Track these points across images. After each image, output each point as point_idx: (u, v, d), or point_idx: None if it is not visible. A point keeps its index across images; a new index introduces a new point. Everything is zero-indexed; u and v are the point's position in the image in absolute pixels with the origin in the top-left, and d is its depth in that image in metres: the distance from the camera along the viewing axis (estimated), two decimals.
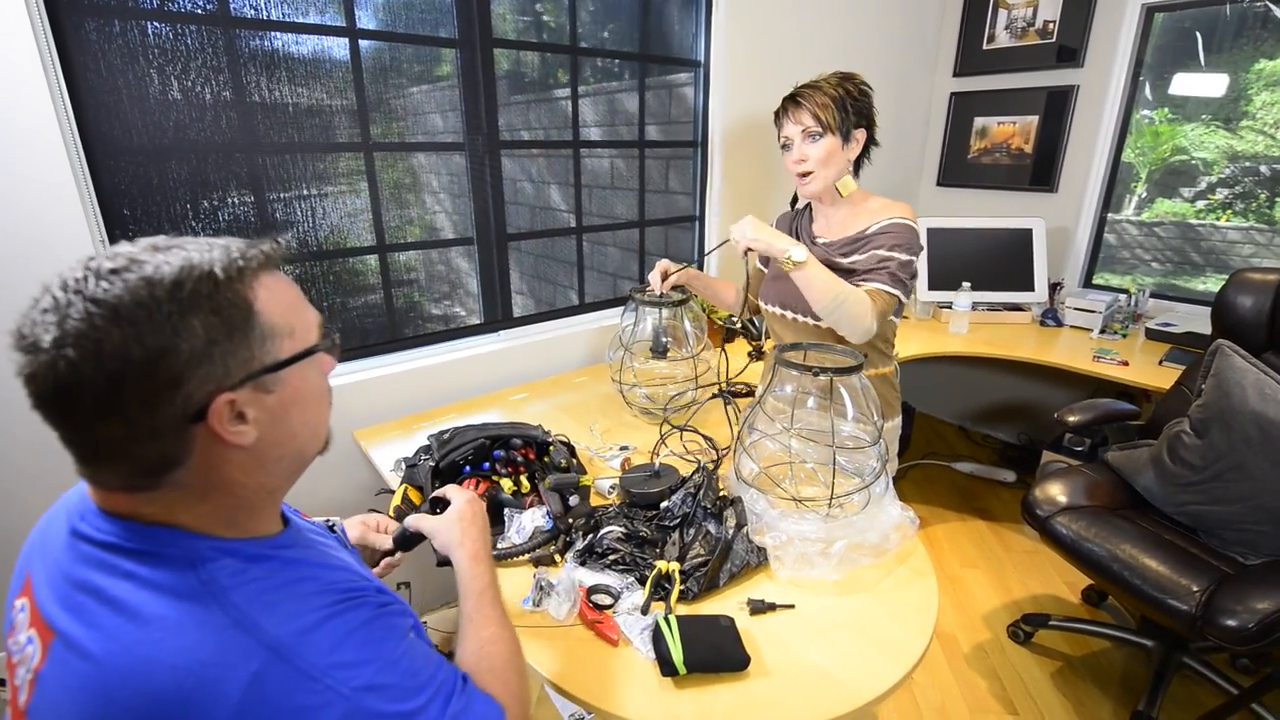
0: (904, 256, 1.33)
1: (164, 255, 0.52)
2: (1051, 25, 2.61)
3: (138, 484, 0.53)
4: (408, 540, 0.92)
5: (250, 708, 0.48)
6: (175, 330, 0.49)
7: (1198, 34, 2.38)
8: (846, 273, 1.36)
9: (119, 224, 1.38)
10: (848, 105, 1.33)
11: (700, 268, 2.44)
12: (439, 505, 0.93)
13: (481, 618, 0.76)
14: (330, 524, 0.92)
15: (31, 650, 0.55)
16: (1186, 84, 2.45)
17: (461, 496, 0.90)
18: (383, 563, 0.97)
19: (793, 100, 1.36)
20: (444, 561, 1.07)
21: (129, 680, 0.49)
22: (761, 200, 2.48)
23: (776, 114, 1.40)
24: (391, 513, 1.16)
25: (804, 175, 1.38)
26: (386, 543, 0.96)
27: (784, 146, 1.40)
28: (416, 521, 0.90)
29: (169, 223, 1.44)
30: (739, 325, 2.29)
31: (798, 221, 1.53)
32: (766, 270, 1.60)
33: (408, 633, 0.60)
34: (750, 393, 1.80)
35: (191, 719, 0.48)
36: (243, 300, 0.53)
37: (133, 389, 0.48)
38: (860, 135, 1.37)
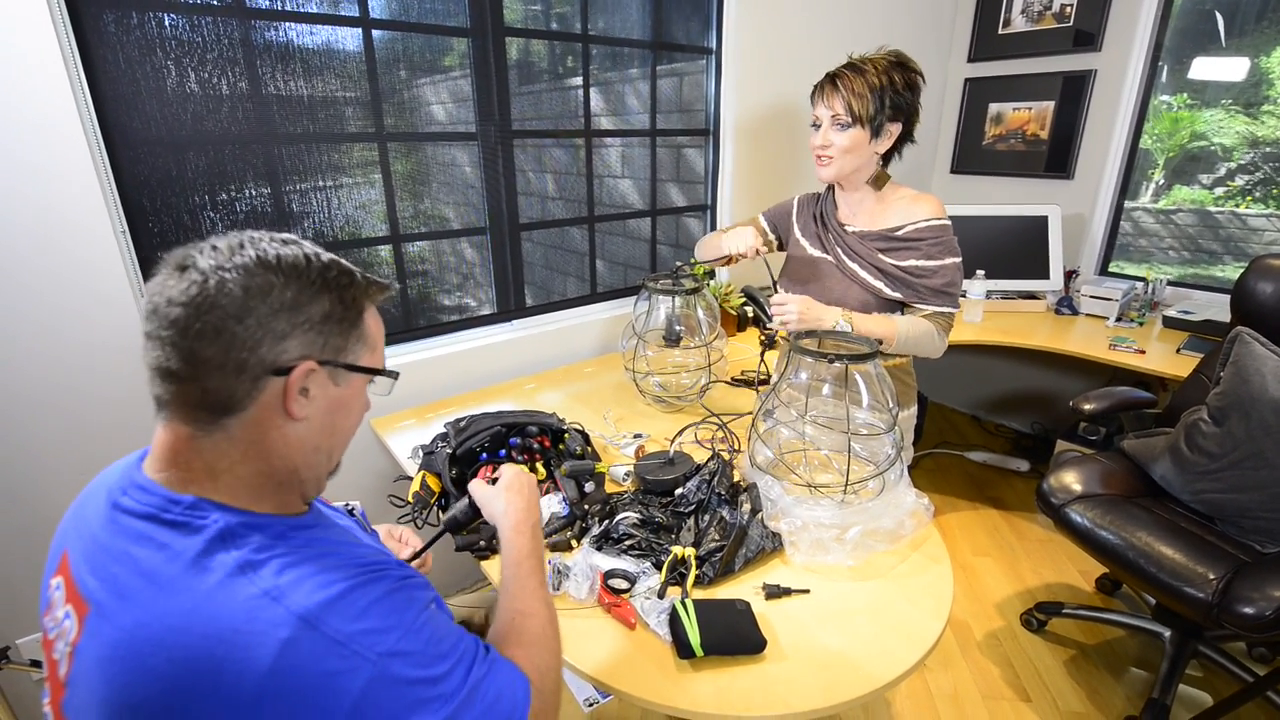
0: (945, 263, 1.33)
1: (322, 249, 0.63)
2: (1069, 9, 2.58)
3: (201, 417, 0.57)
4: (458, 523, 0.93)
5: (281, 673, 0.50)
6: (312, 297, 0.59)
7: (1218, 16, 2.34)
8: (896, 279, 1.35)
9: (139, 214, 1.40)
10: (886, 98, 1.27)
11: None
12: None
13: (517, 588, 0.77)
14: (350, 508, 0.93)
15: (69, 625, 0.57)
16: (1206, 68, 2.41)
17: (511, 469, 0.91)
18: (416, 561, 0.97)
19: (830, 82, 1.30)
20: (462, 547, 1.09)
21: (161, 648, 0.50)
22: (774, 189, 2.46)
23: (816, 87, 1.34)
24: (410, 498, 1.18)
25: (824, 158, 1.35)
26: (406, 553, 0.96)
27: (813, 125, 1.36)
28: (473, 488, 0.90)
29: (188, 214, 1.45)
30: (751, 314, 2.29)
31: (822, 205, 1.49)
32: (786, 250, 1.58)
33: (428, 604, 0.61)
34: (764, 381, 1.80)
35: (224, 684, 0.49)
36: (360, 305, 0.64)
37: (254, 323, 0.56)
38: (894, 129, 1.31)
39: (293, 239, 0.62)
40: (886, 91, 1.27)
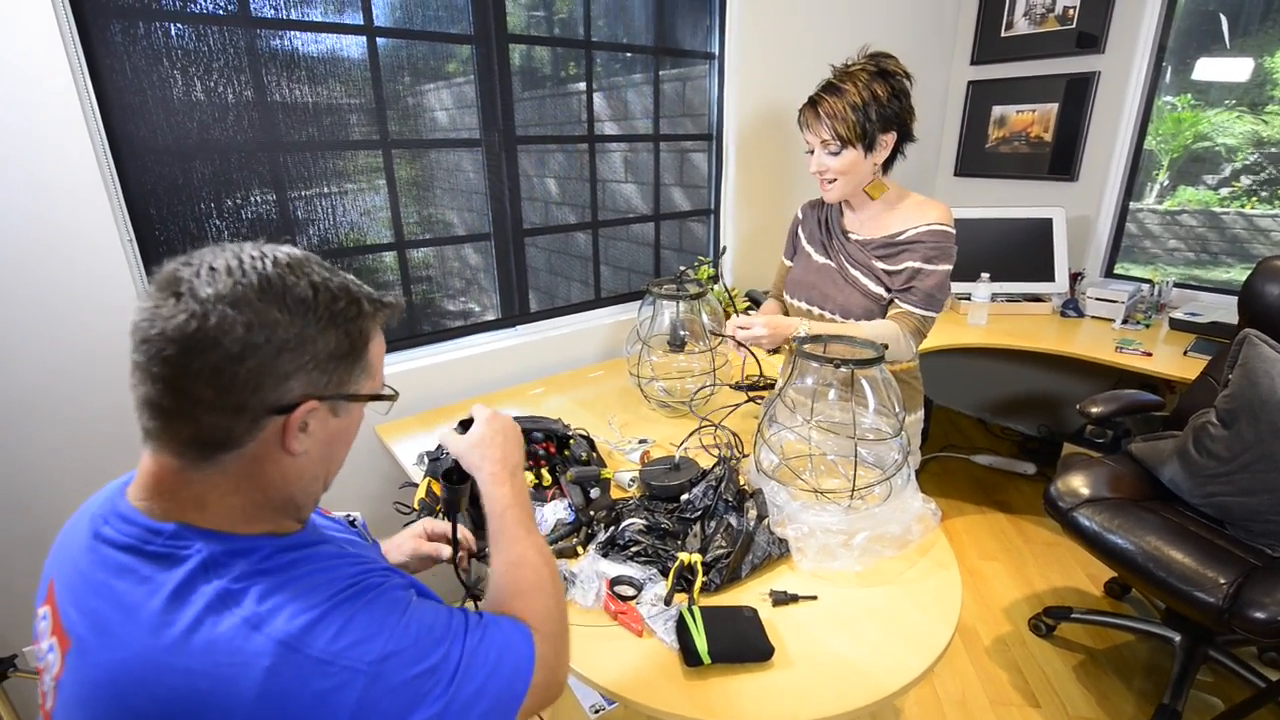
0: (938, 268, 1.31)
1: (329, 273, 0.59)
2: (1071, 11, 2.57)
3: (191, 453, 0.55)
4: (453, 504, 0.87)
5: (268, 700, 0.49)
6: (319, 333, 0.56)
7: (1222, 17, 2.33)
8: (886, 283, 1.35)
9: (145, 223, 1.40)
10: (871, 113, 1.24)
11: (715, 265, 2.44)
12: (467, 427, 0.87)
13: (506, 540, 0.75)
14: (351, 519, 0.92)
15: (53, 658, 0.56)
16: (1210, 69, 2.40)
17: (481, 417, 0.85)
18: (460, 553, 0.92)
19: (813, 109, 1.29)
20: (463, 583, 1.07)
21: (143, 687, 0.49)
22: (777, 193, 2.47)
23: (801, 112, 1.33)
24: (416, 505, 1.18)
25: (825, 182, 1.35)
26: (447, 551, 0.93)
27: (807, 151, 1.36)
28: (448, 443, 0.85)
29: (194, 222, 1.46)
30: None
31: (827, 212, 1.49)
32: (791, 264, 1.59)
33: (409, 600, 0.60)
34: (769, 386, 1.80)
35: (211, 718, 0.48)
36: (366, 335, 0.61)
37: (255, 364, 0.52)
38: (888, 139, 1.29)
39: (297, 260, 0.57)
40: (871, 107, 1.24)
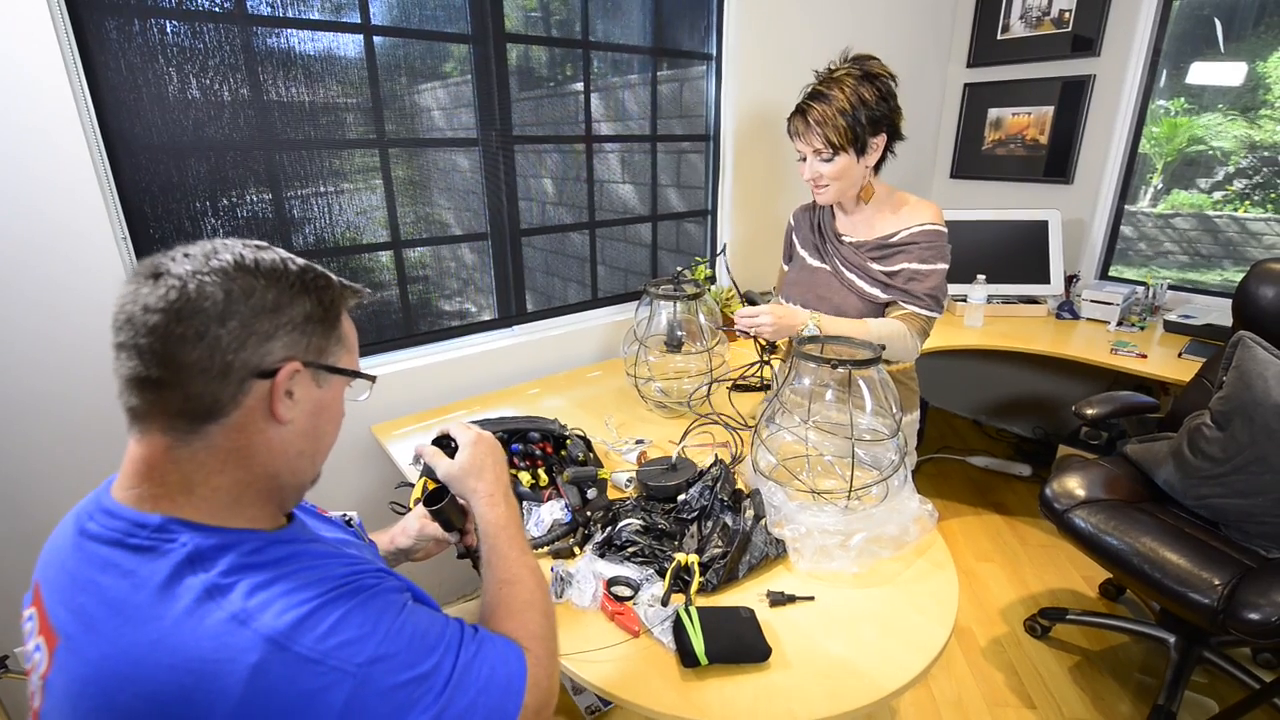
0: (937, 268, 1.32)
1: (295, 257, 0.63)
2: (1067, 14, 2.59)
3: (180, 426, 0.55)
4: (446, 521, 0.88)
5: (253, 699, 0.48)
6: (293, 298, 0.59)
7: (1217, 21, 2.35)
8: (883, 283, 1.35)
9: (140, 220, 1.39)
10: (861, 116, 1.24)
11: (712, 266, 2.44)
12: (445, 443, 0.88)
13: (498, 559, 0.76)
14: (347, 519, 0.92)
15: (39, 657, 0.56)
16: (1204, 73, 2.42)
17: (466, 438, 0.85)
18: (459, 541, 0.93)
19: (802, 118, 1.28)
20: (463, 554, 1.08)
21: (127, 683, 0.49)
22: (774, 194, 2.47)
23: (790, 121, 1.33)
24: (412, 505, 1.17)
25: (818, 187, 1.35)
26: (454, 537, 0.92)
27: (799, 158, 1.35)
28: (434, 463, 0.85)
29: (189, 220, 1.45)
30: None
31: (819, 216, 1.49)
32: (788, 267, 1.59)
33: (404, 604, 0.60)
34: (763, 387, 1.80)
35: (194, 716, 0.48)
36: (337, 307, 0.64)
37: (237, 325, 0.55)
38: (879, 141, 1.30)
39: (265, 245, 0.62)
40: (860, 110, 1.24)
